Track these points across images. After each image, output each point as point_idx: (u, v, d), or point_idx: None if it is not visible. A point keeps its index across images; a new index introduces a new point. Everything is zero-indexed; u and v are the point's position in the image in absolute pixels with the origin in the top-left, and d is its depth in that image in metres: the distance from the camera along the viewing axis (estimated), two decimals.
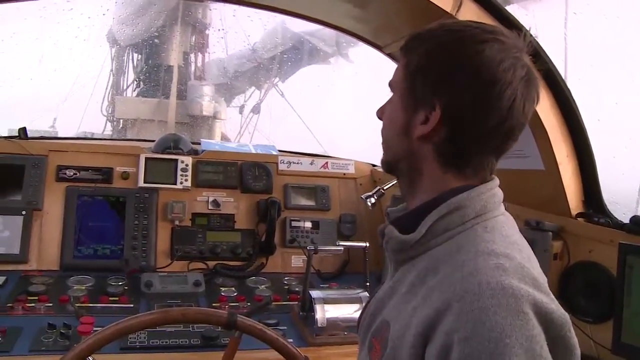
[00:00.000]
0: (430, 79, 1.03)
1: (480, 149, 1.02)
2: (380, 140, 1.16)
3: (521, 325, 0.84)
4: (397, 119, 1.09)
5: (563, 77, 2.03)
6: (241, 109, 11.59)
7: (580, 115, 2.05)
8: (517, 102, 0.98)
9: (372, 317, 1.12)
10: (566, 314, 0.90)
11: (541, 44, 1.97)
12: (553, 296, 0.92)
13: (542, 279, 0.94)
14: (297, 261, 2.53)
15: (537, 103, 1.04)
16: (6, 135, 2.57)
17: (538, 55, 1.14)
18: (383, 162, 1.17)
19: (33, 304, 1.96)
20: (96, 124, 9.84)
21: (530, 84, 1.00)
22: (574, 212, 2.10)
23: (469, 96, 0.99)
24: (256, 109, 11.36)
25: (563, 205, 2.10)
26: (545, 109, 2.01)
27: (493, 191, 1.04)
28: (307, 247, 2.03)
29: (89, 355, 1.44)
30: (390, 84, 1.13)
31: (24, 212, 2.30)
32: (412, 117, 1.05)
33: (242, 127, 11.14)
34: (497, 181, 1.07)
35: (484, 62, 0.98)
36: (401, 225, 1.07)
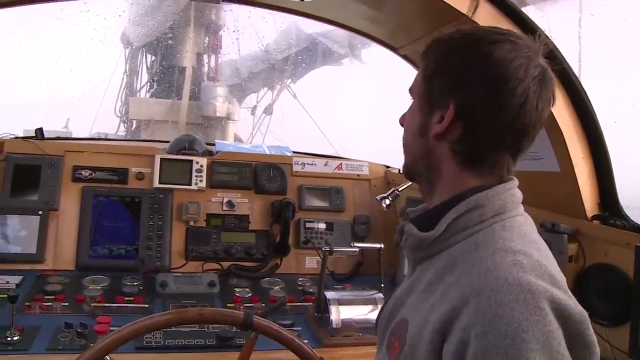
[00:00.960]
0: (445, 80, 1.05)
1: (495, 147, 1.03)
2: (401, 146, 1.18)
3: (538, 321, 0.84)
4: (414, 121, 1.12)
5: (578, 77, 2.02)
6: (253, 109, 11.61)
7: (596, 117, 2.04)
8: (530, 99, 0.99)
9: (391, 315, 1.13)
10: (585, 311, 0.89)
11: (556, 44, 1.97)
12: (571, 294, 0.92)
13: (560, 277, 0.94)
14: (311, 262, 2.53)
15: (552, 104, 1.05)
16: (22, 135, 2.59)
17: (553, 56, 1.14)
18: (404, 167, 1.19)
19: (50, 303, 1.98)
20: (109, 125, 9.89)
21: (544, 84, 1.01)
22: (589, 214, 2.09)
23: (481, 93, 1.01)
24: (268, 110, 11.37)
25: (578, 207, 2.09)
26: (561, 109, 2.00)
27: (512, 191, 1.04)
28: (322, 248, 2.03)
29: (106, 355, 1.45)
30: (410, 90, 1.16)
31: (40, 212, 2.32)
32: (429, 117, 1.08)
33: (255, 128, 11.17)
34: (516, 182, 1.08)
35: (496, 60, 1.00)
36: (420, 223, 1.08)
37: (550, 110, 1.87)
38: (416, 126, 1.11)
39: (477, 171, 1.05)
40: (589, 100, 2.02)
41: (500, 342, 0.84)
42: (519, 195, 1.06)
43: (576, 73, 2.02)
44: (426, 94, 1.09)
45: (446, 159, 1.07)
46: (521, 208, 1.06)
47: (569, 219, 2.10)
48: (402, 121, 1.18)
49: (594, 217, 2.08)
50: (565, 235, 2.05)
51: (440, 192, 1.09)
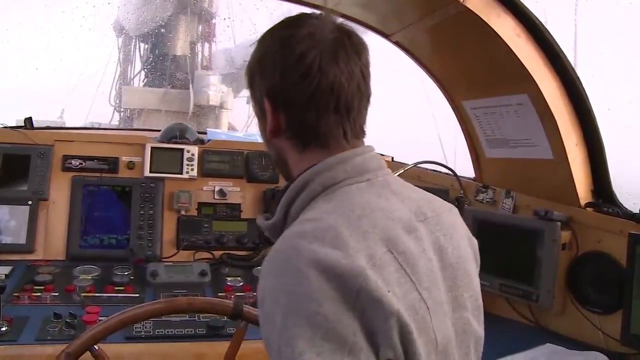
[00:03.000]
0: (255, 83, 1.09)
1: (317, 115, 1.02)
2: None
3: (294, 284, 0.84)
4: (261, 132, 1.15)
5: (573, 65, 2.00)
6: (248, 99, 11.57)
7: (589, 104, 2.03)
8: (325, 60, 1.00)
9: None
10: (361, 266, 0.85)
11: (551, 31, 1.96)
12: (361, 253, 0.87)
13: (361, 237, 0.89)
14: None
15: (362, 53, 1.06)
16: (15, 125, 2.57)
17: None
18: (281, 175, 1.21)
19: (39, 294, 1.96)
20: (104, 114, 9.86)
21: (338, 40, 1.03)
22: (583, 201, 2.09)
23: (278, 75, 1.03)
24: None
25: (572, 194, 2.09)
26: (554, 96, 1.99)
27: (349, 161, 1.02)
28: None
29: (94, 344, 1.44)
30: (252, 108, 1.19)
31: (30, 202, 2.30)
32: (264, 122, 1.09)
33: (250, 118, 11.13)
34: (361, 149, 1.04)
35: (279, 39, 1.04)
36: (273, 212, 1.09)
37: (544, 97, 1.88)
38: (262, 135, 1.14)
39: (314, 148, 1.05)
40: (583, 87, 2.02)
41: (267, 308, 0.87)
42: (363, 162, 1.03)
43: (572, 60, 2.01)
44: (254, 102, 1.12)
45: (287, 149, 1.08)
46: (368, 174, 1.02)
47: (563, 206, 2.10)
48: None
49: (588, 205, 2.08)
50: (559, 223, 2.06)
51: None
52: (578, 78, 1.99)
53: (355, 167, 1.02)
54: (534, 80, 1.95)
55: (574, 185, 2.07)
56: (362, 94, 1.04)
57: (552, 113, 1.99)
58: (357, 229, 0.90)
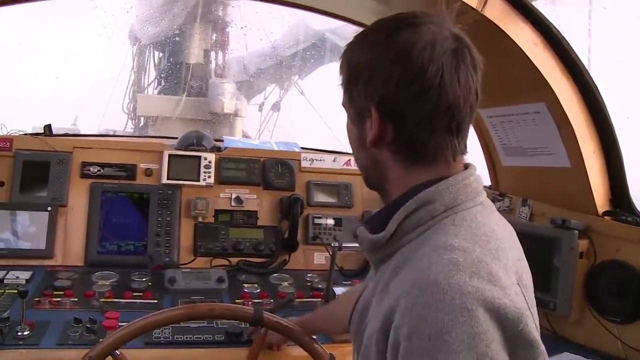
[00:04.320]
0: (358, 86, 1.04)
1: (429, 134, 1.00)
2: None
3: (464, 322, 0.82)
4: (352, 136, 1.11)
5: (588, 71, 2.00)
6: (261, 106, 11.61)
7: (607, 111, 2.03)
8: (447, 76, 0.96)
9: (361, 317, 1.11)
10: (523, 308, 0.87)
11: (567, 37, 1.95)
12: (514, 289, 0.89)
13: (506, 273, 0.90)
14: (320, 258, 2.53)
15: (478, 69, 1.02)
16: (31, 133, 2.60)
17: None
18: (364, 181, 1.17)
19: (59, 299, 1.98)
20: (117, 122, 9.91)
21: (460, 54, 0.99)
22: (600, 210, 2.07)
23: (393, 86, 0.98)
24: (276, 107, 11.38)
25: (589, 203, 2.07)
26: (572, 104, 1.98)
27: (465, 182, 1.02)
28: (331, 244, 2.02)
29: (116, 349, 1.46)
30: (342, 104, 1.14)
31: (49, 208, 2.32)
32: (362, 128, 1.06)
33: (262, 125, 11.17)
34: (472, 170, 1.05)
35: (396, 48, 0.98)
36: (373, 225, 1.07)
37: (561, 105, 1.87)
38: (355, 139, 1.10)
39: (422, 165, 1.03)
40: (600, 95, 2.01)
41: (423, 343, 0.82)
42: (476, 184, 1.03)
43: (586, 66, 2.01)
44: (352, 105, 1.08)
45: (389, 162, 1.05)
46: (480, 197, 1.04)
47: (580, 214, 2.09)
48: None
49: (605, 213, 2.07)
50: (576, 232, 2.04)
51: (392, 196, 1.07)
52: (595, 86, 1.99)
53: (473, 189, 1.02)
54: (552, 89, 1.94)
55: (592, 194, 2.06)
56: (472, 113, 1.02)
57: (569, 121, 1.98)
58: (499, 263, 0.90)
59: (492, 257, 0.90)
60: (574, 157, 2.05)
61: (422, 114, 0.98)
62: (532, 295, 1.01)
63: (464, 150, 1.05)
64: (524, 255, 1.04)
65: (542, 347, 0.88)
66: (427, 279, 0.86)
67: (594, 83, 1.99)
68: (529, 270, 1.03)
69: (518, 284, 0.92)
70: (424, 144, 1.01)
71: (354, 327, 1.16)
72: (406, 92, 0.97)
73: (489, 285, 0.85)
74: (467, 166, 1.06)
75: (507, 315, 0.84)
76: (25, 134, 2.54)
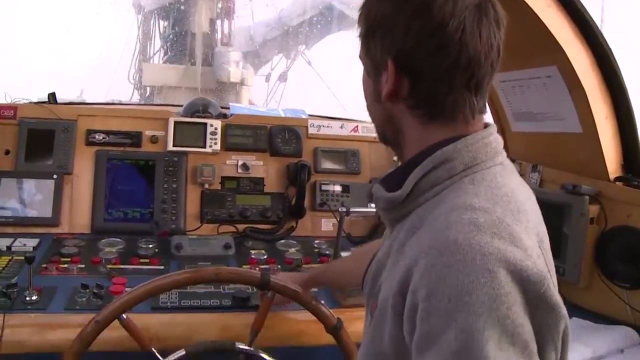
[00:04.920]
0: (376, 37, 1.01)
1: (448, 90, 0.96)
2: None
3: (485, 284, 0.79)
4: (368, 88, 1.08)
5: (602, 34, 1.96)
6: (267, 77, 11.56)
7: (621, 75, 1.98)
8: (469, 31, 0.93)
9: (374, 278, 1.09)
10: (544, 270, 0.84)
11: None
12: (535, 251, 0.87)
13: (527, 234, 0.88)
14: (327, 225, 2.51)
15: (501, 26, 0.98)
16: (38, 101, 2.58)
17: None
18: (378, 137, 1.14)
19: (66, 265, 1.98)
20: (124, 93, 9.87)
21: (483, 8, 0.95)
22: (612, 175, 2.05)
23: (412, 39, 0.95)
24: (283, 77, 11.32)
25: (601, 168, 2.05)
26: (585, 68, 1.94)
27: (485, 140, 0.99)
28: (339, 209, 2.00)
29: (123, 313, 1.46)
30: (359, 57, 1.11)
31: (55, 176, 2.32)
32: (378, 81, 1.03)
33: (269, 95, 11.12)
34: (492, 129, 1.02)
35: (417, 1, 0.95)
36: (389, 183, 1.04)
37: (573, 69, 1.84)
38: (371, 93, 1.07)
39: (440, 122, 0.99)
40: (615, 59, 1.97)
41: (442, 305, 0.80)
42: (495, 143, 1.00)
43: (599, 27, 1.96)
44: (368, 57, 1.05)
45: (405, 117, 1.02)
46: (500, 157, 1.01)
47: (591, 180, 2.07)
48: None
49: (617, 179, 2.04)
50: (587, 197, 2.02)
51: (409, 153, 1.04)
52: (610, 49, 1.94)
53: (492, 149, 0.99)
54: (564, 51, 1.90)
55: (603, 159, 2.03)
56: (493, 71, 0.98)
57: (582, 85, 1.94)
58: (521, 225, 0.88)
59: (513, 218, 0.88)
60: (585, 122, 2.01)
61: (440, 69, 0.95)
62: (552, 259, 0.99)
63: (483, 109, 1.02)
64: (542, 220, 1.02)
65: (564, 311, 0.86)
66: (447, 239, 0.84)
67: (608, 46, 1.95)
68: (547, 235, 1.01)
69: (539, 247, 0.90)
70: (442, 101, 0.97)
71: (367, 289, 1.14)
72: (425, 46, 0.94)
73: (510, 246, 0.83)
74: (486, 125, 1.03)
75: (529, 277, 0.81)
76: (30, 102, 2.51)
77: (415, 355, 0.86)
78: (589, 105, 1.97)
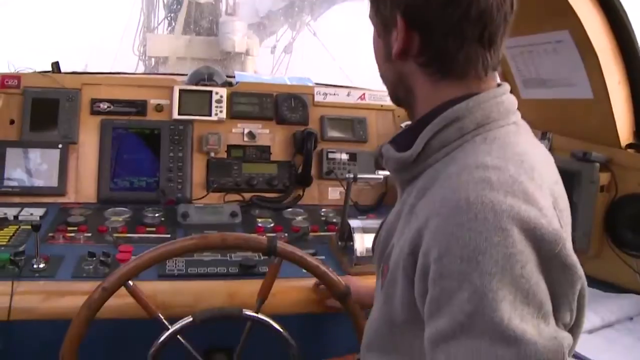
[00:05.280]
0: None
1: (459, 45, 0.94)
2: None
3: (498, 242, 0.77)
4: (378, 49, 1.06)
5: None
6: (273, 49, 11.46)
7: (635, 39, 1.94)
8: None
9: (385, 242, 1.07)
10: (560, 230, 0.82)
11: None
12: (550, 211, 0.85)
13: (542, 193, 0.85)
14: (334, 193, 2.50)
15: None
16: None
17: None
18: (390, 98, 1.12)
19: (73, 234, 1.98)
20: (128, 65, 9.79)
21: None
22: (623, 142, 2.02)
23: None
24: (288, 49, 11.21)
25: (612, 135, 2.02)
26: (598, 32, 1.90)
27: (498, 99, 0.96)
28: (346, 176, 1.98)
29: (129, 280, 1.45)
30: (369, 17, 1.08)
31: (60, 146, 2.31)
32: (388, 40, 1.01)
33: (274, 68, 11.03)
34: (505, 88, 1.00)
35: None
36: (400, 143, 1.02)
37: (585, 32, 1.80)
38: (382, 53, 1.05)
39: (451, 79, 0.97)
40: (629, 22, 1.92)
41: (455, 266, 0.79)
42: (509, 102, 0.98)
43: None
44: (377, 16, 1.03)
45: (416, 76, 1.00)
46: (514, 116, 0.99)
47: (602, 147, 2.04)
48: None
49: (629, 146, 2.01)
50: (597, 165, 2.00)
51: (419, 112, 1.02)
52: (624, 12, 1.90)
53: (505, 107, 0.97)
54: (576, 15, 1.86)
55: (615, 126, 2.00)
56: (506, 25, 0.95)
57: (594, 50, 1.90)
58: (535, 183, 0.85)
59: (527, 176, 0.85)
60: (597, 87, 1.98)
61: (450, 22, 0.92)
62: (569, 222, 0.97)
63: (496, 66, 0.99)
64: (560, 180, 0.99)
65: (581, 272, 0.84)
66: (458, 198, 0.82)
67: (622, 8, 1.91)
68: (566, 196, 0.98)
69: (554, 208, 0.87)
70: (453, 56, 0.95)
71: (377, 255, 1.13)
72: (435, 0, 0.92)
73: (524, 204, 0.81)
74: (499, 85, 1.01)
75: (544, 236, 0.79)
76: (34, 72, 2.49)
77: (427, 319, 0.84)
78: (601, 70, 1.93)
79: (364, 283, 1.71)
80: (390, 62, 1.02)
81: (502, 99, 0.97)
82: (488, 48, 0.95)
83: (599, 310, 1.80)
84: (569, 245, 0.82)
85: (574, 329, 0.89)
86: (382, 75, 1.10)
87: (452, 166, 0.90)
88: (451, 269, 0.79)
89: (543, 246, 0.80)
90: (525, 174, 0.86)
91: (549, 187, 0.90)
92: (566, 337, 0.81)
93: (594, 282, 1.99)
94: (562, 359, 0.78)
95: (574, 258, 0.82)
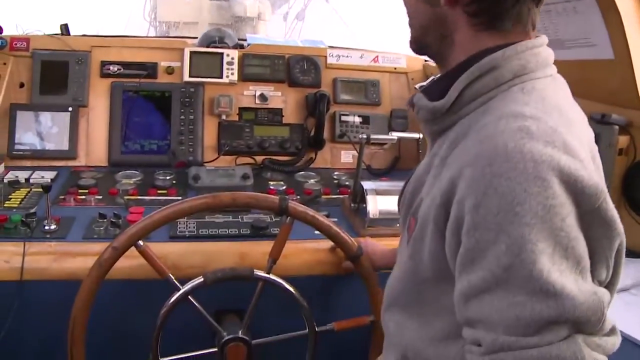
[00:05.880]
0: None
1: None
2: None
3: (538, 193, 0.74)
4: None
5: None
6: (285, 16, 11.35)
7: None
8: None
9: (412, 196, 1.04)
10: (601, 184, 0.79)
11: None
12: (590, 164, 0.82)
13: (581, 147, 0.82)
14: (347, 157, 2.47)
15: None
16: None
17: None
18: (411, 42, 1.07)
19: (84, 197, 1.98)
20: (139, 31, 9.72)
21: None
22: None
23: None
24: (300, 16, 11.10)
25: (633, 97, 1.96)
26: None
27: (535, 50, 0.92)
28: (359, 136, 1.95)
29: (140, 239, 1.44)
30: None
31: (70, 109, 2.29)
32: None
33: (287, 35, 10.92)
34: (543, 39, 0.96)
35: None
36: (432, 93, 0.98)
37: None
38: None
39: (496, 30, 0.93)
40: None
41: (492, 217, 0.76)
42: (546, 54, 0.94)
43: None
44: None
45: (460, 24, 0.95)
46: (551, 69, 0.95)
47: (621, 109, 1.98)
48: None
49: None
50: (616, 127, 1.95)
51: (454, 61, 0.98)
52: None
53: (544, 59, 0.94)
54: None
55: (636, 87, 1.94)
56: None
57: (617, 7, 1.83)
58: (574, 136, 0.82)
59: (567, 129, 0.82)
60: (618, 47, 1.91)
61: None
62: (604, 180, 0.94)
63: (536, 22, 0.96)
64: (594, 139, 0.96)
65: (620, 228, 0.81)
66: (496, 147, 0.79)
67: None
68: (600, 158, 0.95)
69: (592, 162, 0.85)
70: (506, 10, 0.92)
71: (403, 209, 1.10)
72: None
73: (565, 155, 0.78)
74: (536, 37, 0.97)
75: (584, 189, 0.77)
76: (43, 35, 2.46)
77: (459, 272, 0.82)
78: (623, 29, 1.86)
79: (380, 246, 1.69)
80: (429, 4, 0.97)
81: (539, 50, 0.94)
82: (537, 4, 0.93)
83: None
84: (609, 199, 0.80)
85: (609, 287, 0.86)
86: (411, 17, 1.05)
87: (488, 116, 0.87)
88: (487, 220, 0.77)
89: (583, 199, 0.77)
90: (564, 125, 0.83)
91: (587, 142, 0.87)
92: (605, 293, 0.79)
93: None
94: (602, 316, 0.77)
95: (614, 213, 0.80)
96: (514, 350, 0.76)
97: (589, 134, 0.95)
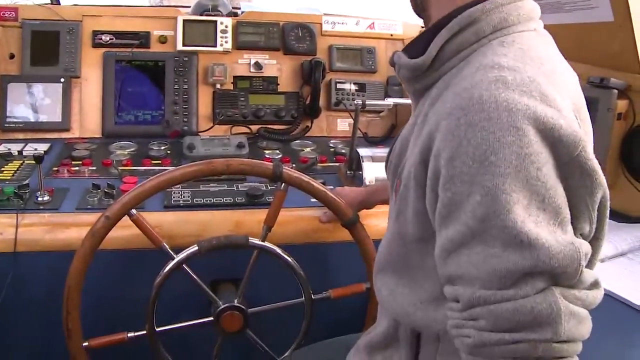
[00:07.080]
0: None
1: None
2: None
3: (512, 142, 0.72)
4: None
5: None
6: None
7: None
8: None
9: (399, 157, 1.02)
10: (579, 131, 0.77)
11: None
12: (571, 114, 0.79)
13: (562, 98, 0.80)
14: (343, 125, 2.44)
15: None
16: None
17: None
18: (412, 5, 1.06)
19: (77, 168, 1.96)
20: (131, 0, 9.61)
21: None
22: None
23: None
24: None
25: (632, 61, 1.93)
26: None
27: (519, 3, 0.90)
28: (355, 101, 1.92)
29: (132, 208, 1.43)
30: None
31: (62, 80, 2.25)
32: None
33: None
34: None
35: None
36: (412, 50, 0.95)
37: None
38: None
39: None
40: None
41: (466, 168, 0.74)
42: (529, 8, 0.92)
43: None
44: None
45: None
46: (535, 24, 0.92)
47: (621, 74, 1.96)
48: None
49: None
50: (615, 91, 1.92)
51: (435, 18, 0.96)
52: None
53: (526, 12, 0.90)
54: None
55: (636, 50, 1.91)
56: None
57: None
58: (555, 86, 0.80)
59: (547, 79, 0.80)
60: (619, 9, 1.88)
61: None
62: (591, 133, 0.92)
63: None
64: (582, 94, 0.93)
65: (602, 179, 0.79)
66: (471, 98, 0.76)
67: None
68: (587, 111, 0.93)
69: (575, 116, 0.82)
70: None
71: (391, 169, 1.08)
72: None
73: (541, 104, 0.75)
74: None
75: (562, 137, 0.74)
76: (32, 4, 2.41)
77: (438, 228, 0.81)
78: None
79: (352, 188, 1.72)
80: None
81: (521, 3, 0.91)
82: None
83: (612, 239, 1.76)
84: (589, 149, 0.77)
85: (593, 242, 0.85)
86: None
87: (466, 69, 0.85)
88: (462, 172, 0.75)
89: (561, 148, 0.75)
90: (544, 76, 0.80)
91: (570, 95, 0.84)
92: (583, 243, 0.76)
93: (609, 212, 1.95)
94: (578, 266, 0.75)
95: (594, 163, 0.78)
96: (489, 304, 0.75)
97: (575, 87, 0.92)
